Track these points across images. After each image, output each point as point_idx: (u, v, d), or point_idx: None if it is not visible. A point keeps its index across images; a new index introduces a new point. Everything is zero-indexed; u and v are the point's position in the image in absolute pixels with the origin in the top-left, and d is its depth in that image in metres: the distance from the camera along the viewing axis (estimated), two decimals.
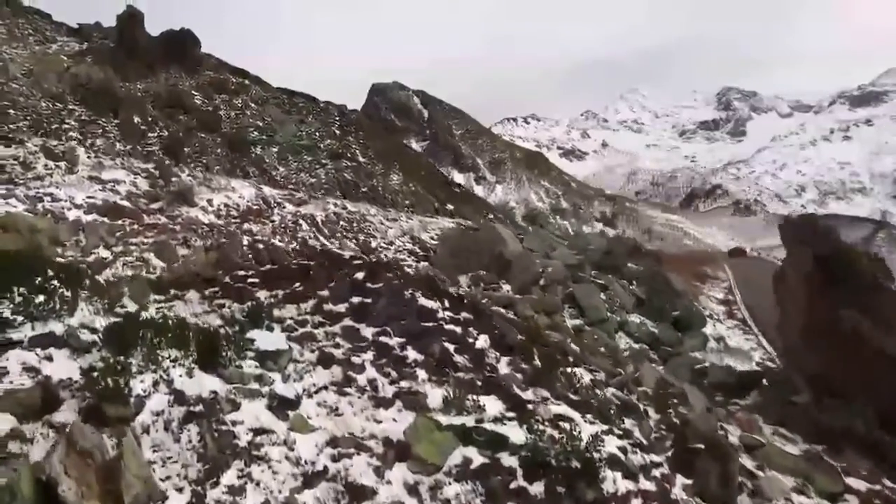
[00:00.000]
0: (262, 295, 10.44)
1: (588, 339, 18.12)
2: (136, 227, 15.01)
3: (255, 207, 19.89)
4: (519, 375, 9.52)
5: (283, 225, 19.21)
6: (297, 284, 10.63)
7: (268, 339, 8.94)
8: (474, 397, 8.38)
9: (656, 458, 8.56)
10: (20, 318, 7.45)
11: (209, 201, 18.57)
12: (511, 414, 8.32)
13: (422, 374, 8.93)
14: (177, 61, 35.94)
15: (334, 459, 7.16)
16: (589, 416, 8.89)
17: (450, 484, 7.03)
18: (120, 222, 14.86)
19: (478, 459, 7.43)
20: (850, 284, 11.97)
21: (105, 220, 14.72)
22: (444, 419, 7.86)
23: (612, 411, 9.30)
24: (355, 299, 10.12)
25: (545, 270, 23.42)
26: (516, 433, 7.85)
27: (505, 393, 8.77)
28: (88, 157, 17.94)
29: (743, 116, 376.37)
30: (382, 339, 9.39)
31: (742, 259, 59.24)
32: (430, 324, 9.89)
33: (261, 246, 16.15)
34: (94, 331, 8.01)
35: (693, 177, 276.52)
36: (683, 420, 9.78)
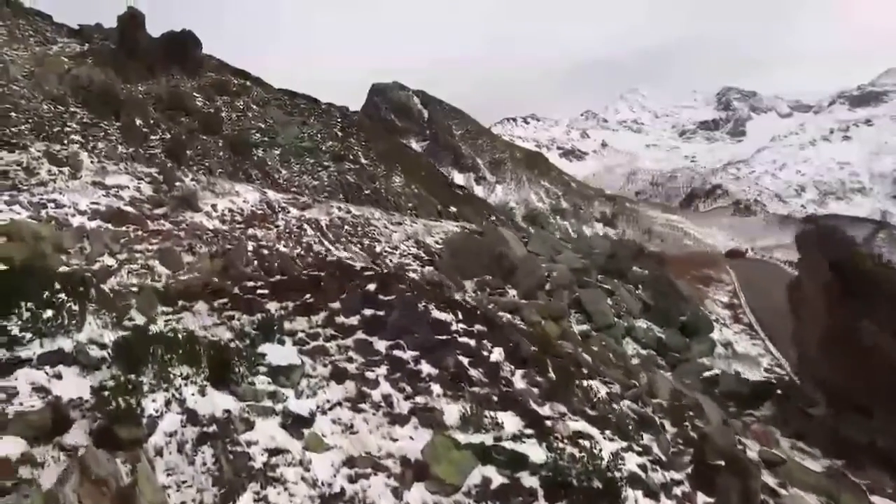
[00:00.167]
0: (273, 307, 10.25)
1: (596, 345, 17.98)
2: (140, 233, 14.83)
3: (259, 212, 19.72)
4: (535, 389, 9.35)
5: (287, 230, 19.04)
6: (308, 296, 10.44)
7: (279, 354, 8.75)
8: (491, 414, 8.21)
9: (676, 476, 8.39)
10: (28, 335, 7.24)
11: (213, 206, 18.40)
12: (529, 431, 8.14)
13: (437, 388, 8.75)
14: (178, 63, 35.76)
15: (351, 480, 6.98)
16: (608, 432, 8.72)
17: None
18: (124, 228, 14.69)
19: (497, 479, 7.25)
20: (870, 295, 11.79)
21: (109, 226, 14.54)
22: (462, 437, 7.69)
23: (630, 426, 9.13)
24: (367, 311, 9.94)
25: (550, 275, 23.29)
26: (536, 452, 7.68)
27: (522, 408, 8.60)
28: (92, 162, 17.75)
29: (743, 116, 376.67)
30: (396, 352, 9.21)
31: (741, 260, 59.01)
32: (444, 336, 9.71)
33: (266, 252, 16.00)
34: (102, 346, 7.82)
35: (693, 177, 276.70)
36: (701, 434, 9.61)
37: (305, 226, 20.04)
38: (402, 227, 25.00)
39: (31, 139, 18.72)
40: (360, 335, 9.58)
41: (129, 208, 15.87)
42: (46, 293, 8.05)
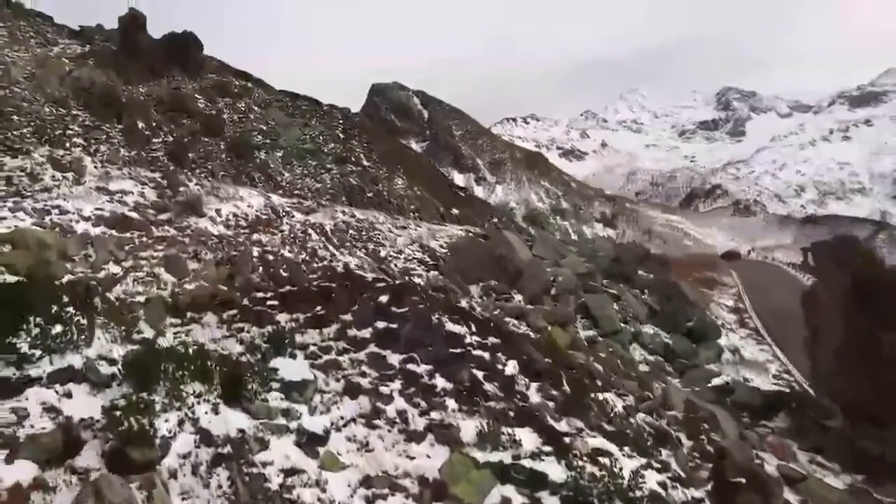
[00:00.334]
0: (283, 318, 10.07)
1: (603, 351, 17.83)
2: (145, 239, 14.65)
3: (263, 217, 19.55)
4: (550, 404, 9.19)
5: (292, 235, 18.87)
6: (318, 307, 10.26)
7: (291, 368, 8.58)
8: (509, 430, 8.05)
9: (696, 494, 8.25)
10: (38, 353, 7.07)
11: (218, 211, 18.23)
12: (548, 448, 7.98)
13: (452, 403, 8.59)
14: (179, 64, 35.50)
15: (368, 501, 6.83)
16: (626, 448, 8.57)
17: None
18: (129, 235, 14.51)
19: (517, 499, 7.10)
20: (889, 306, 11.63)
21: (113, 232, 14.37)
22: (480, 455, 7.53)
23: (648, 442, 8.98)
24: (380, 324, 9.77)
25: (556, 279, 23.13)
26: (555, 470, 7.52)
27: (539, 424, 8.44)
28: (95, 167, 17.57)
29: (742, 116, 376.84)
30: (410, 366, 9.04)
31: (739, 262, 58.70)
32: (458, 349, 9.55)
33: (271, 258, 15.82)
34: (112, 362, 7.66)
35: (693, 177, 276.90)
36: (718, 448, 9.45)
37: (310, 230, 19.88)
38: (407, 230, 24.84)
39: (35, 143, 18.51)
40: (372, 348, 9.41)
41: (133, 214, 15.69)
42: (55, 307, 7.87)
